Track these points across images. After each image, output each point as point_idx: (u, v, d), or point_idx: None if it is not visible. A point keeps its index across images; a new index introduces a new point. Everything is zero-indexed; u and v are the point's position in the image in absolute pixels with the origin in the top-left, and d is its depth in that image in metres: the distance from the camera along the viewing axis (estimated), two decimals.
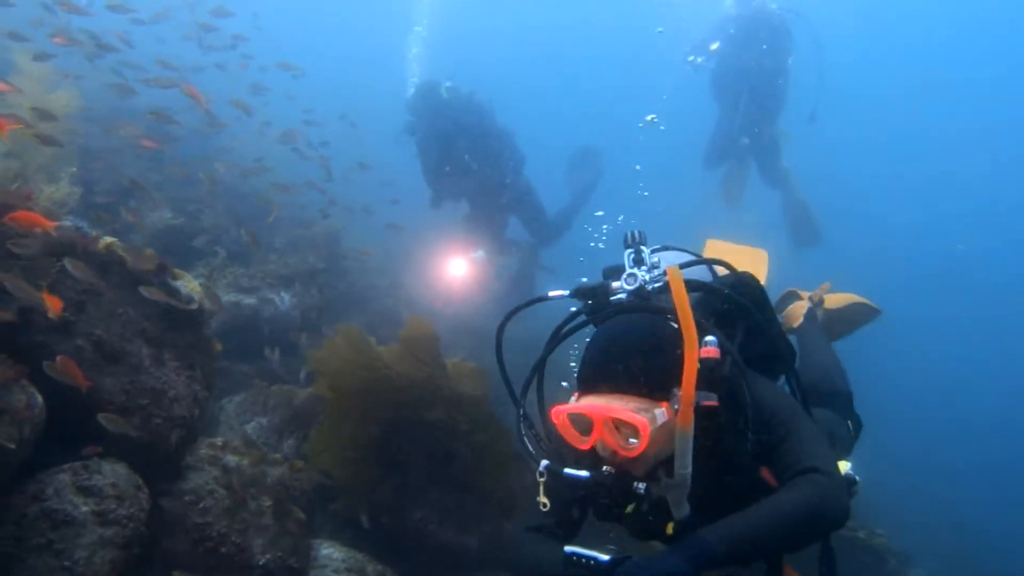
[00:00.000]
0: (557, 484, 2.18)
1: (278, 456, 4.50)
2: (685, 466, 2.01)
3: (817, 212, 9.59)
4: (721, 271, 2.65)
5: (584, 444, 2.10)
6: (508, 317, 2.52)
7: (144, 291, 3.57)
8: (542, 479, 2.17)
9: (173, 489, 3.57)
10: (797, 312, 3.94)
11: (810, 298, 4.10)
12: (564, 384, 2.58)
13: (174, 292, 3.64)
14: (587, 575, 1.93)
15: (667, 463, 2.07)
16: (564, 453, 2.26)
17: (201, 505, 3.56)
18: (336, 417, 4.58)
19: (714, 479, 2.10)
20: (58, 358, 3.15)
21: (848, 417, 2.98)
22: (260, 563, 3.59)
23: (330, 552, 4.21)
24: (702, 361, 2.01)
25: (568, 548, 1.98)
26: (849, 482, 2.31)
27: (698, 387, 1.99)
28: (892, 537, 5.25)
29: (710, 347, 2.08)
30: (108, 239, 3.51)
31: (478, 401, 4.53)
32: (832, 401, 2.96)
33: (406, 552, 4.40)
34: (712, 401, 2.02)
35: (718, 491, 2.10)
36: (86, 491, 3.17)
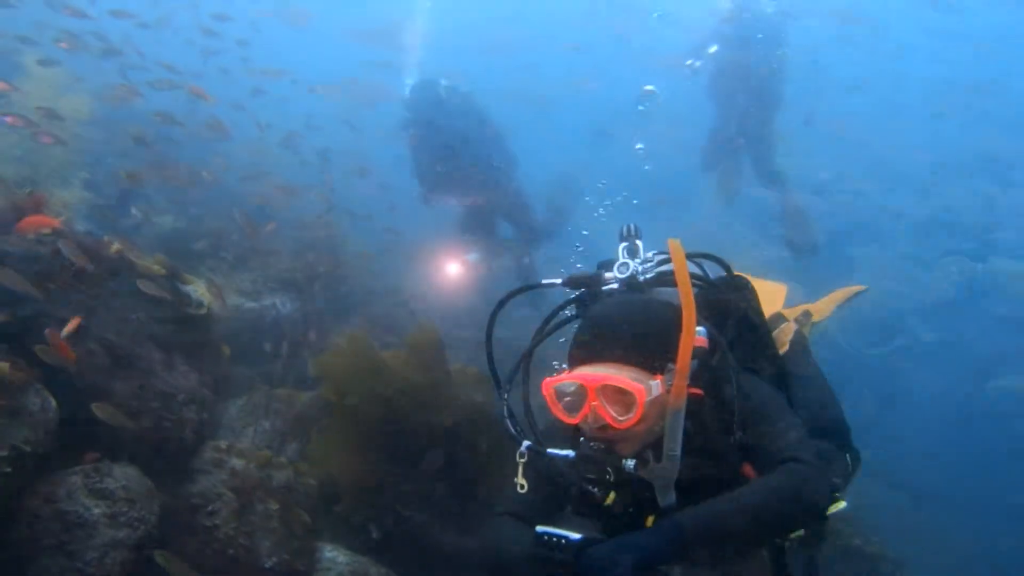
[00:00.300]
0: (538, 466, 2.16)
1: (282, 459, 4.54)
2: (675, 448, 1.98)
3: (815, 218, 9.53)
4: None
5: (573, 418, 2.07)
6: (502, 303, 2.49)
7: (142, 285, 3.57)
8: (522, 460, 2.13)
9: (182, 492, 3.61)
10: (783, 337, 3.66)
11: (796, 320, 3.94)
12: (562, 340, 2.51)
13: (184, 297, 3.68)
14: (557, 554, 1.89)
15: (655, 447, 2.05)
16: (549, 439, 2.23)
17: (210, 508, 3.60)
18: (340, 421, 4.61)
19: (698, 471, 2.09)
20: (47, 332, 3.14)
21: (846, 451, 2.87)
22: (267, 566, 3.63)
23: (334, 555, 4.24)
24: (692, 349, 1.97)
25: (539, 528, 1.94)
26: (832, 487, 2.25)
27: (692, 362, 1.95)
28: (889, 544, 5.30)
29: (700, 337, 2.05)
30: (119, 244, 3.55)
31: (481, 407, 4.58)
32: (828, 435, 2.84)
33: (409, 555, 4.44)
34: (698, 389, 2.01)
35: (701, 485, 2.08)
36: (98, 493, 3.21)
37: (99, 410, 3.28)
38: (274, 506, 3.87)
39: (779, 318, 3.96)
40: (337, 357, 4.69)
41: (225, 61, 9.17)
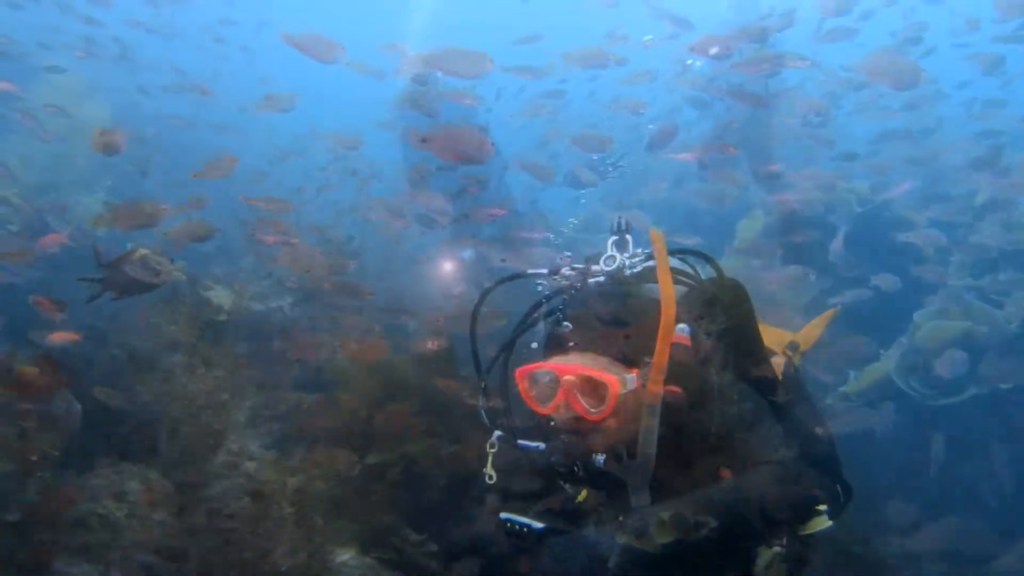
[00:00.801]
0: (512, 457, 2.14)
1: (294, 463, 4.58)
2: (649, 444, 1.92)
3: (811, 224, 9.49)
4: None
5: (546, 408, 2.03)
6: (489, 290, 2.46)
7: (130, 271, 3.57)
8: (492, 450, 2.12)
9: (201, 495, 3.65)
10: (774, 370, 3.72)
11: (784, 352, 3.74)
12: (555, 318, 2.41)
13: (205, 301, 3.74)
14: (520, 542, 1.88)
15: (630, 444, 2.00)
16: (530, 431, 2.20)
17: (227, 511, 3.64)
18: (351, 426, 4.66)
19: (674, 472, 2.03)
20: (32, 299, 3.19)
21: (836, 483, 2.72)
22: (283, 569, 3.68)
23: (345, 559, 4.29)
24: (672, 346, 1.92)
25: (503, 515, 1.94)
26: (814, 496, 2.19)
27: (668, 370, 1.89)
28: (888, 551, 5.36)
29: (682, 334, 2.00)
30: (143, 250, 3.60)
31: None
32: (819, 467, 2.67)
33: (419, 560, 4.49)
34: (676, 387, 1.96)
35: (677, 486, 2.02)
36: (120, 496, 3.26)
37: (100, 392, 3.34)
38: (289, 510, 3.91)
39: (768, 352, 3.91)
40: (347, 362, 4.75)
41: (232, 67, 9.21)
